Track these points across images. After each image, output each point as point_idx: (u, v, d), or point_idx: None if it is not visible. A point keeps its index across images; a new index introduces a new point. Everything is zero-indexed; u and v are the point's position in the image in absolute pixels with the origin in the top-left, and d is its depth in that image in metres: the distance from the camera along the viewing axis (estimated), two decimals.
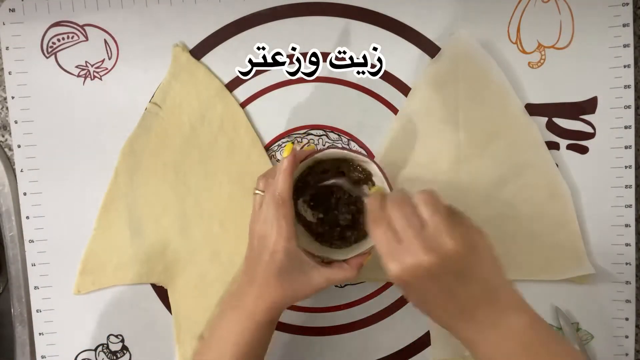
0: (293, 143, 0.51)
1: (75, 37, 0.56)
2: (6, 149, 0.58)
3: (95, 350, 0.58)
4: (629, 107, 0.55)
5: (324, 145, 0.57)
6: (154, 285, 0.58)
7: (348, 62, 0.57)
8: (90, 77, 0.57)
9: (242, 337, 0.45)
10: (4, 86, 0.57)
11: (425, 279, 0.37)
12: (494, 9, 0.56)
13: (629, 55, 0.55)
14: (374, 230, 0.40)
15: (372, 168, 0.49)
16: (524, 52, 0.56)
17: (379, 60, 0.57)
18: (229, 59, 0.57)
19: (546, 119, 0.56)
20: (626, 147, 0.56)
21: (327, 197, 0.51)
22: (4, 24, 0.56)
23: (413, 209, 0.38)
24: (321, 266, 0.47)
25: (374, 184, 0.51)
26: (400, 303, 0.58)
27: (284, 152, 0.46)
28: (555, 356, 0.38)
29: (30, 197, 0.57)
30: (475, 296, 0.38)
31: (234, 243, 0.57)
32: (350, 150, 0.49)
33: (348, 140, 0.57)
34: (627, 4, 0.55)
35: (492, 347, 0.38)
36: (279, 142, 0.58)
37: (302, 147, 0.57)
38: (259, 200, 0.47)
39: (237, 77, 0.57)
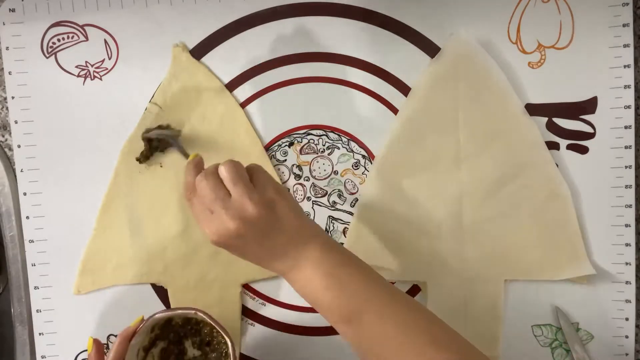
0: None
1: (75, 37, 0.56)
2: (6, 149, 0.58)
3: None
4: (629, 107, 0.55)
5: (324, 145, 0.57)
6: (154, 285, 0.58)
7: (348, 62, 0.57)
8: (90, 77, 0.57)
9: None
10: (4, 86, 0.57)
11: (236, 239, 0.43)
12: (494, 9, 0.56)
13: (629, 55, 0.55)
14: (189, 201, 0.45)
15: (200, 317, 0.51)
16: (524, 52, 0.56)
17: (380, 60, 0.57)
18: (229, 59, 0.57)
19: (546, 119, 0.56)
20: (626, 147, 0.56)
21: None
22: (4, 24, 0.56)
23: (219, 181, 0.44)
24: None
25: (216, 339, 0.54)
26: None
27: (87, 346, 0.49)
28: (349, 275, 0.44)
29: (30, 197, 0.57)
30: (281, 243, 0.44)
31: None
32: (173, 309, 0.51)
33: (348, 140, 0.58)
34: (627, 4, 0.55)
35: (298, 276, 0.44)
36: (279, 142, 0.58)
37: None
38: None
39: (237, 77, 0.57)
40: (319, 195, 0.58)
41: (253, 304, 0.58)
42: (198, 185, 0.44)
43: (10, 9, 0.56)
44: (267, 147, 0.57)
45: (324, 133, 0.58)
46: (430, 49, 0.57)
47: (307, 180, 0.58)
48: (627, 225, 0.56)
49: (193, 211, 0.45)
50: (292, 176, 0.58)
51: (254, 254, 0.45)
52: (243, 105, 0.57)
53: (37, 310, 0.57)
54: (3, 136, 0.58)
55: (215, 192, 0.43)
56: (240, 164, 0.45)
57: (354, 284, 0.43)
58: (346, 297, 0.43)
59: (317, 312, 0.58)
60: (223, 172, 0.44)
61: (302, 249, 0.44)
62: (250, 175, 0.45)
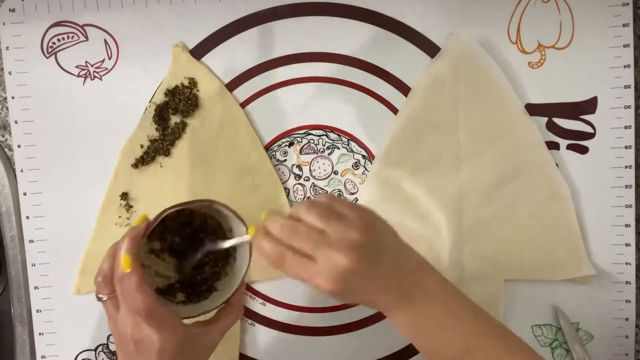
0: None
1: (75, 37, 0.56)
2: (6, 149, 0.58)
3: (95, 350, 0.58)
4: (629, 107, 0.55)
5: (324, 145, 0.57)
6: None
7: (348, 62, 0.57)
8: (90, 77, 0.57)
9: None
10: (4, 86, 0.57)
11: (349, 278, 0.38)
12: (494, 9, 0.56)
13: (629, 55, 0.55)
14: (283, 269, 0.40)
15: (220, 209, 0.46)
16: (524, 52, 0.56)
17: (380, 60, 0.57)
18: (229, 59, 0.57)
19: (546, 119, 0.56)
20: (626, 147, 0.56)
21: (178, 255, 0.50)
22: (4, 24, 0.56)
23: (305, 227, 0.39)
24: (209, 326, 0.45)
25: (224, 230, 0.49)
26: None
27: (122, 265, 0.41)
28: (462, 312, 0.41)
29: (30, 197, 0.57)
30: (388, 268, 0.40)
31: None
32: (190, 202, 0.45)
33: (348, 140, 0.58)
34: (627, 4, 0.55)
35: (409, 310, 0.40)
36: (279, 142, 0.58)
37: (301, 147, 0.57)
38: (113, 304, 0.43)
39: (237, 77, 0.57)
40: None
41: (253, 304, 0.58)
42: (287, 242, 0.39)
43: (10, 9, 0.56)
44: (267, 147, 0.57)
45: (324, 133, 0.58)
46: (430, 49, 0.57)
47: (307, 180, 0.58)
48: (627, 225, 0.56)
49: (294, 276, 0.40)
50: (292, 176, 0.58)
51: (365, 290, 0.40)
52: (243, 105, 0.57)
53: (37, 310, 0.57)
54: (3, 136, 0.58)
55: (309, 238, 0.39)
56: (316, 201, 0.41)
57: (469, 319, 0.40)
58: (460, 334, 0.40)
59: (317, 311, 0.58)
60: (302, 212, 0.40)
61: (417, 280, 0.40)
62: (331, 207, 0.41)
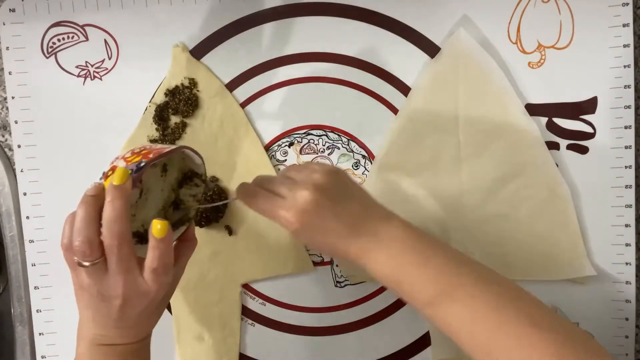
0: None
1: (75, 37, 0.56)
2: (6, 149, 0.58)
3: None
4: (629, 107, 0.55)
5: (324, 145, 0.57)
6: None
7: (348, 62, 0.57)
8: (90, 77, 0.57)
9: None
10: (4, 86, 0.57)
11: (314, 213, 0.41)
12: (493, 9, 0.56)
13: (629, 55, 0.55)
14: (254, 205, 0.44)
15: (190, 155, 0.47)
16: (524, 52, 0.56)
17: (380, 60, 0.57)
18: (229, 59, 0.57)
19: (546, 119, 0.56)
20: (626, 147, 0.56)
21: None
22: (4, 24, 0.56)
23: (279, 176, 0.45)
24: None
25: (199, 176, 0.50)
26: (400, 303, 0.58)
27: (116, 178, 0.42)
28: (435, 252, 0.42)
29: (30, 197, 0.57)
30: (357, 214, 0.42)
31: (234, 243, 0.57)
32: (168, 151, 0.44)
33: (348, 140, 0.58)
34: (627, 4, 0.55)
35: (380, 254, 0.42)
36: (279, 142, 0.58)
37: (302, 148, 0.57)
38: (98, 268, 0.40)
39: (237, 77, 0.57)
40: None
41: (253, 304, 0.58)
42: (266, 185, 0.44)
43: (10, 9, 0.56)
44: (267, 147, 0.57)
45: (324, 133, 0.58)
46: (430, 49, 0.57)
47: None
48: (627, 225, 0.56)
49: (262, 209, 0.43)
50: None
51: (333, 230, 0.42)
52: (243, 105, 0.57)
53: (37, 310, 0.57)
54: (3, 136, 0.58)
55: (282, 182, 0.44)
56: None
57: (441, 259, 0.41)
58: (434, 274, 0.40)
59: (317, 311, 0.58)
60: (284, 171, 0.45)
61: (383, 225, 0.42)
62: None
